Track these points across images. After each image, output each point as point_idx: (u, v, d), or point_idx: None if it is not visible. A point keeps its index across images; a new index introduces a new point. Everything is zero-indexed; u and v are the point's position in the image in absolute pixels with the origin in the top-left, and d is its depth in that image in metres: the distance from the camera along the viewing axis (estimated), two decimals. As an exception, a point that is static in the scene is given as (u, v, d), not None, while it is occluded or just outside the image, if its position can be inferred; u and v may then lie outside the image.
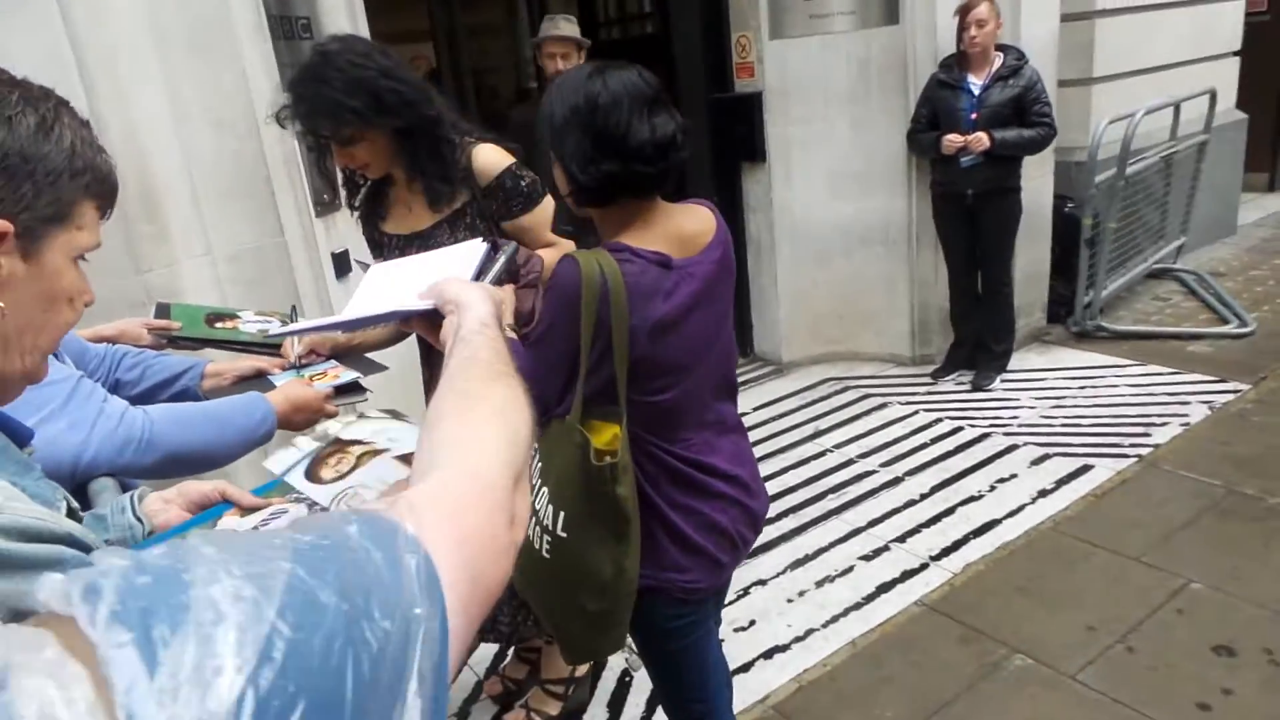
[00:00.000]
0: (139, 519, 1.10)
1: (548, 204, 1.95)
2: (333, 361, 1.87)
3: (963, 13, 3.85)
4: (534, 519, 1.46)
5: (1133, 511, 3.05)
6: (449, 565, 0.51)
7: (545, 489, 1.45)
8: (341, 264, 2.99)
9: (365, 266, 2.06)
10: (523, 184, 1.92)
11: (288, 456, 1.10)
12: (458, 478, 0.61)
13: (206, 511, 1.10)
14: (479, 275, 1.08)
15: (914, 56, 4.17)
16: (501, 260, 1.15)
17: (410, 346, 2.16)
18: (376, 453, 1.08)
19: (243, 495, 1.18)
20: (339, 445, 1.11)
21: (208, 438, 1.49)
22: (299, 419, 1.63)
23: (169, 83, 2.25)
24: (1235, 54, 5.89)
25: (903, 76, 4.22)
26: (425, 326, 1.01)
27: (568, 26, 3.77)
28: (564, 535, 1.42)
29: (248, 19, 2.49)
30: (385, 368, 1.91)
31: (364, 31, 3.07)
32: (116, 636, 0.36)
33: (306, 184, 2.80)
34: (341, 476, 1.05)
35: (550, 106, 1.39)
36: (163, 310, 1.95)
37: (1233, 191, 6.24)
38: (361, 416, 1.22)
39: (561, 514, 1.42)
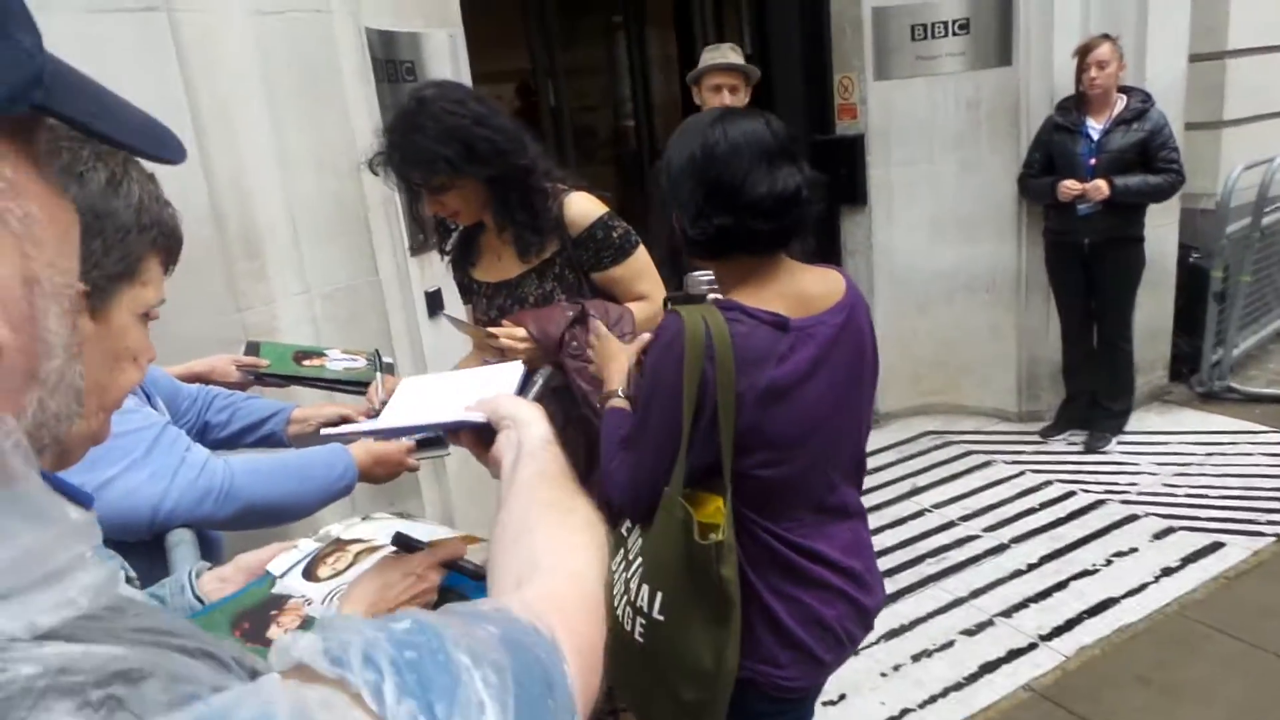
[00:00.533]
0: (199, 599, 1.06)
1: (640, 255, 1.89)
2: None
3: (1082, 53, 3.66)
4: (624, 597, 1.37)
5: (1270, 598, 2.76)
6: (571, 674, 0.52)
7: (640, 566, 1.35)
8: (434, 302, 3.00)
9: (452, 319, 2.04)
10: (614, 234, 1.86)
11: (288, 558, 1.08)
12: (566, 586, 0.62)
13: (251, 583, 1.06)
14: (519, 394, 1.08)
15: (1027, 98, 4.00)
16: (539, 382, 1.16)
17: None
18: (373, 550, 1.07)
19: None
20: (338, 545, 1.10)
21: (287, 490, 1.46)
22: (380, 472, 1.59)
23: (276, 126, 2.30)
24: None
25: (1014, 119, 4.04)
26: (473, 440, 1.00)
27: (735, 55, 3.20)
28: (660, 618, 1.31)
29: (354, 63, 2.53)
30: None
31: (465, 74, 3.11)
32: (408, 710, 0.38)
33: (403, 223, 2.83)
34: (337, 574, 1.04)
35: (669, 152, 1.34)
36: (252, 348, 1.96)
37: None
38: (366, 519, 1.19)
39: (659, 594, 1.31)
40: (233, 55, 2.20)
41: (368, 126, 2.59)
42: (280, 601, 1.01)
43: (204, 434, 1.72)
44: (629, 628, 1.36)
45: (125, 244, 0.73)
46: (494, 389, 1.07)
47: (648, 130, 7.91)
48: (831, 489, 1.38)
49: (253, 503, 1.40)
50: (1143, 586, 2.88)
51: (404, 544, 1.09)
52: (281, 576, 1.05)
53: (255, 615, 0.99)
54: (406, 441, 1.66)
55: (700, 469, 1.29)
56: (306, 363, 2.01)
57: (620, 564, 1.40)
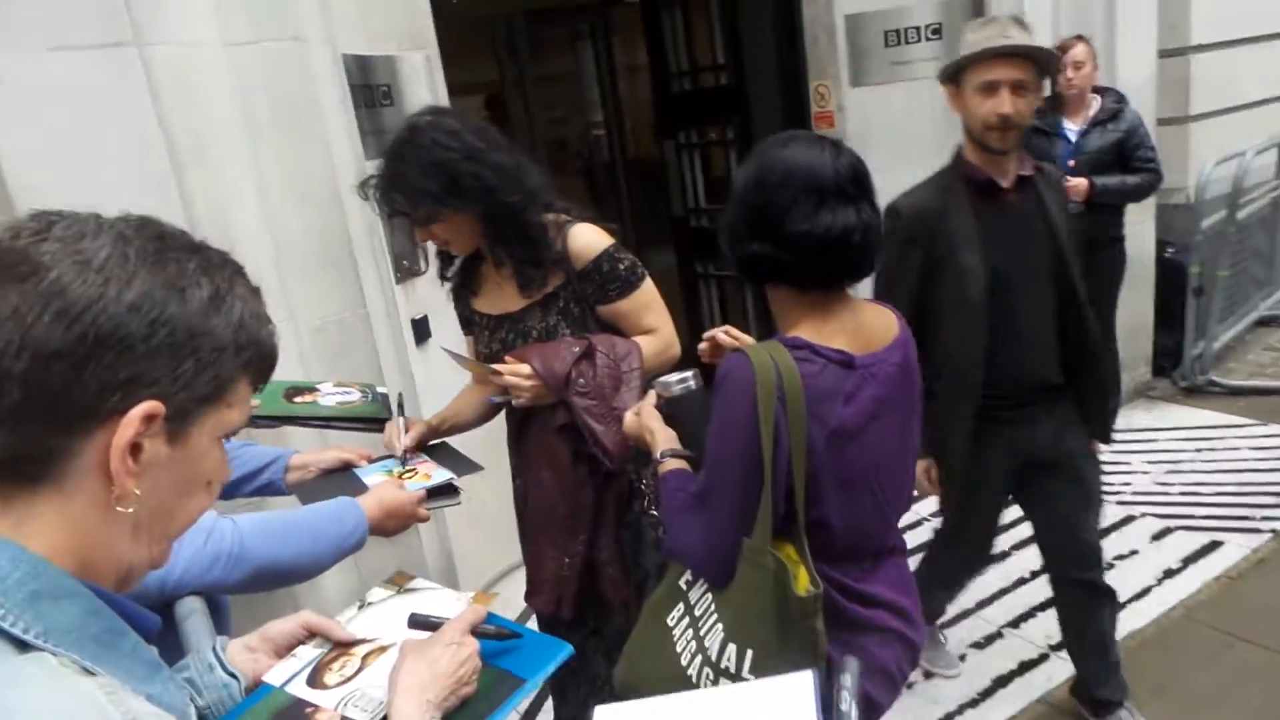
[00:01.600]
0: (231, 674, 0.99)
1: (647, 288, 1.84)
2: (423, 457, 1.77)
3: (1058, 54, 3.67)
4: (697, 659, 1.28)
5: (1274, 596, 2.77)
6: None
7: (718, 624, 1.27)
8: (421, 330, 2.93)
9: (452, 354, 1.98)
10: (620, 267, 1.81)
11: (287, 668, 1.02)
12: None
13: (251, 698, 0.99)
14: None
15: (1004, 102, 4.00)
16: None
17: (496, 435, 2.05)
18: (382, 649, 1.03)
19: (331, 627, 1.07)
20: (341, 649, 1.05)
21: (299, 550, 1.39)
22: (392, 525, 1.53)
23: (256, 159, 2.22)
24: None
25: (993, 123, 4.04)
26: None
27: (1020, 33, 1.92)
28: (750, 679, 1.23)
29: (332, 92, 2.45)
30: (480, 468, 1.80)
31: (442, 93, 3.05)
32: None
33: (388, 251, 2.76)
34: (347, 680, 0.99)
35: (740, 169, 1.31)
36: None
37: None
38: (363, 606, 1.14)
39: (749, 653, 1.23)
40: (208, 88, 2.12)
41: (349, 155, 2.52)
42: (303, 706, 0.95)
43: None
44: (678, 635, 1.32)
45: (218, 365, 0.67)
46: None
47: (619, 140, 7.88)
48: (890, 530, 1.35)
49: (264, 565, 1.34)
50: (1146, 590, 2.89)
51: (423, 624, 1.04)
52: (283, 687, 0.99)
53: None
54: (417, 490, 1.60)
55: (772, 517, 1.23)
56: (298, 399, 1.93)
57: (683, 622, 1.33)
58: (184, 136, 2.05)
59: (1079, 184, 3.60)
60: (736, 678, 1.25)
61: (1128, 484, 3.58)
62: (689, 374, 1.52)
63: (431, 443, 1.90)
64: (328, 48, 2.46)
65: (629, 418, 1.52)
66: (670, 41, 5.07)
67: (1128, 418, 4.12)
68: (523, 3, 7.29)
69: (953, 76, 1.98)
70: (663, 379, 1.51)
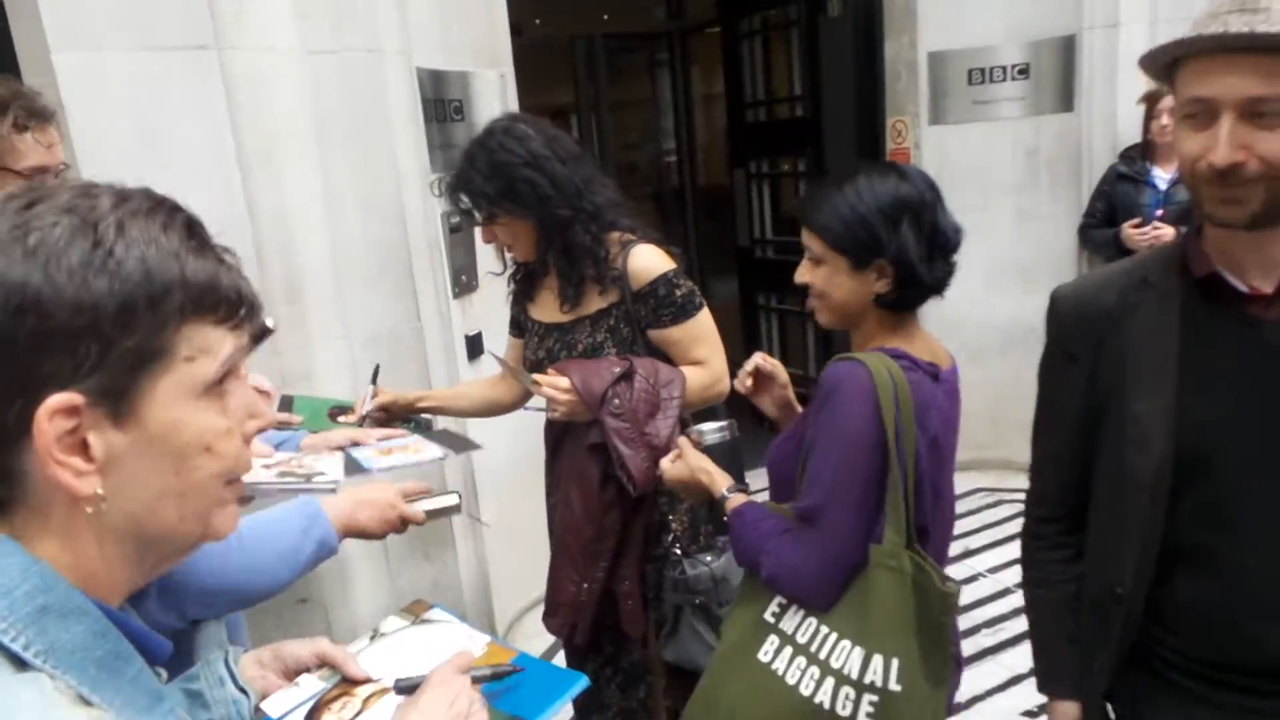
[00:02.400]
0: (242, 689, 0.95)
1: (702, 319, 1.80)
2: (416, 437, 1.70)
3: (1151, 100, 3.52)
4: (829, 680, 1.25)
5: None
6: None
7: (844, 641, 1.24)
8: (475, 346, 2.93)
9: (498, 358, 1.97)
10: (677, 293, 1.78)
11: (288, 697, 0.98)
12: None
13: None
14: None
15: (1089, 145, 3.88)
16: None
17: (526, 437, 2.02)
18: (384, 691, 0.98)
19: (345, 662, 1.03)
20: (345, 687, 1.00)
21: (246, 565, 1.18)
22: (366, 519, 1.30)
23: (323, 168, 2.24)
24: None
25: (1076, 167, 3.92)
26: None
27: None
28: (897, 688, 1.21)
29: (404, 104, 2.48)
30: (478, 446, 1.80)
31: (513, 108, 3.06)
32: None
33: (447, 266, 2.77)
34: None
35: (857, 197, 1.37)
36: (286, 403, 1.86)
37: None
38: (374, 637, 1.09)
39: (894, 661, 1.21)
40: (282, 95, 2.15)
41: (415, 168, 2.54)
42: None
43: None
44: (849, 712, 1.24)
45: (132, 326, 0.57)
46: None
47: (690, 167, 7.89)
48: (948, 542, 1.40)
49: (200, 596, 1.14)
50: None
51: (409, 689, 0.98)
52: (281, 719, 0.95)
53: None
54: (417, 512, 1.37)
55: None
56: (341, 419, 1.92)
57: (785, 653, 1.29)
58: (253, 139, 2.09)
59: (1165, 233, 3.45)
60: (883, 690, 1.22)
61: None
62: (726, 423, 1.53)
63: (433, 428, 1.94)
64: (403, 60, 2.49)
65: (669, 465, 1.51)
66: (748, 71, 5.06)
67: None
68: (603, 27, 7.37)
69: (1164, 75, 1.09)
70: (699, 427, 1.53)
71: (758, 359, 1.53)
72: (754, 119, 5.11)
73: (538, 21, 6.84)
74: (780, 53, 4.86)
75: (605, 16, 7.36)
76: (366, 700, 0.97)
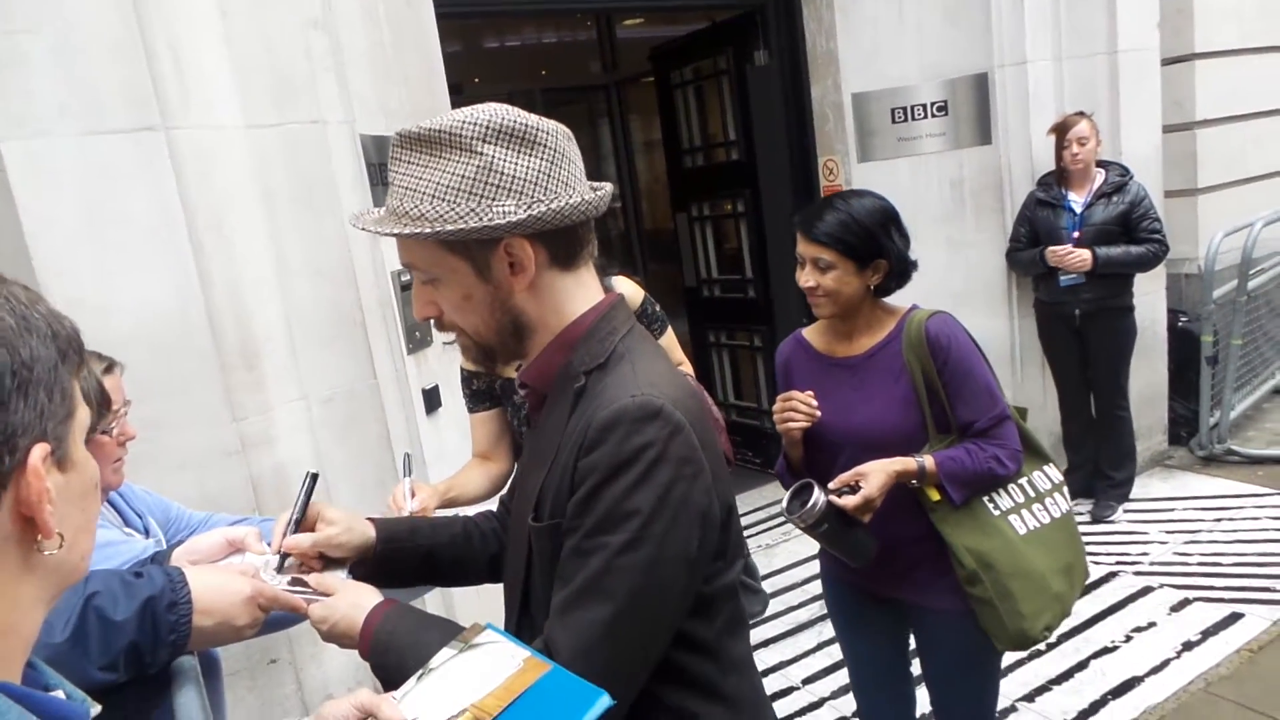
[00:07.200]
0: None
1: (669, 336, 2.20)
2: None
3: (1060, 131, 3.76)
4: (1047, 496, 1.89)
5: (1298, 672, 2.70)
6: None
7: (1034, 471, 1.90)
8: (431, 400, 2.98)
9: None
10: (657, 309, 2.13)
11: None
12: None
13: None
14: None
15: (1009, 175, 4.08)
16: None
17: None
18: None
19: (381, 705, 0.94)
20: None
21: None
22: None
23: (273, 236, 2.30)
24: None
25: (998, 195, 4.12)
26: None
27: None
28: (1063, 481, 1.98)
29: (349, 170, 2.55)
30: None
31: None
32: None
33: (400, 322, 2.82)
34: None
35: (852, 215, 1.80)
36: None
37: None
38: (422, 676, 1.01)
39: (1048, 466, 1.94)
40: (229, 169, 2.21)
41: (362, 232, 2.60)
42: None
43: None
44: (1024, 530, 1.81)
45: (59, 380, 0.64)
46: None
47: (635, 212, 8.05)
48: None
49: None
50: (1165, 663, 2.81)
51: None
52: None
53: None
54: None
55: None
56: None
57: (1022, 517, 1.82)
58: (203, 214, 2.14)
59: (1082, 254, 3.65)
60: (1061, 486, 1.94)
61: (1145, 554, 3.52)
62: (810, 494, 1.62)
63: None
64: (346, 128, 2.57)
65: (872, 480, 1.68)
66: (683, 118, 5.23)
67: (1144, 486, 4.07)
68: (542, 81, 7.55)
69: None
70: (793, 510, 1.61)
71: (796, 398, 1.80)
72: (692, 164, 5.27)
73: (477, 80, 6.99)
74: (713, 100, 5.05)
75: (543, 71, 7.55)
76: None
